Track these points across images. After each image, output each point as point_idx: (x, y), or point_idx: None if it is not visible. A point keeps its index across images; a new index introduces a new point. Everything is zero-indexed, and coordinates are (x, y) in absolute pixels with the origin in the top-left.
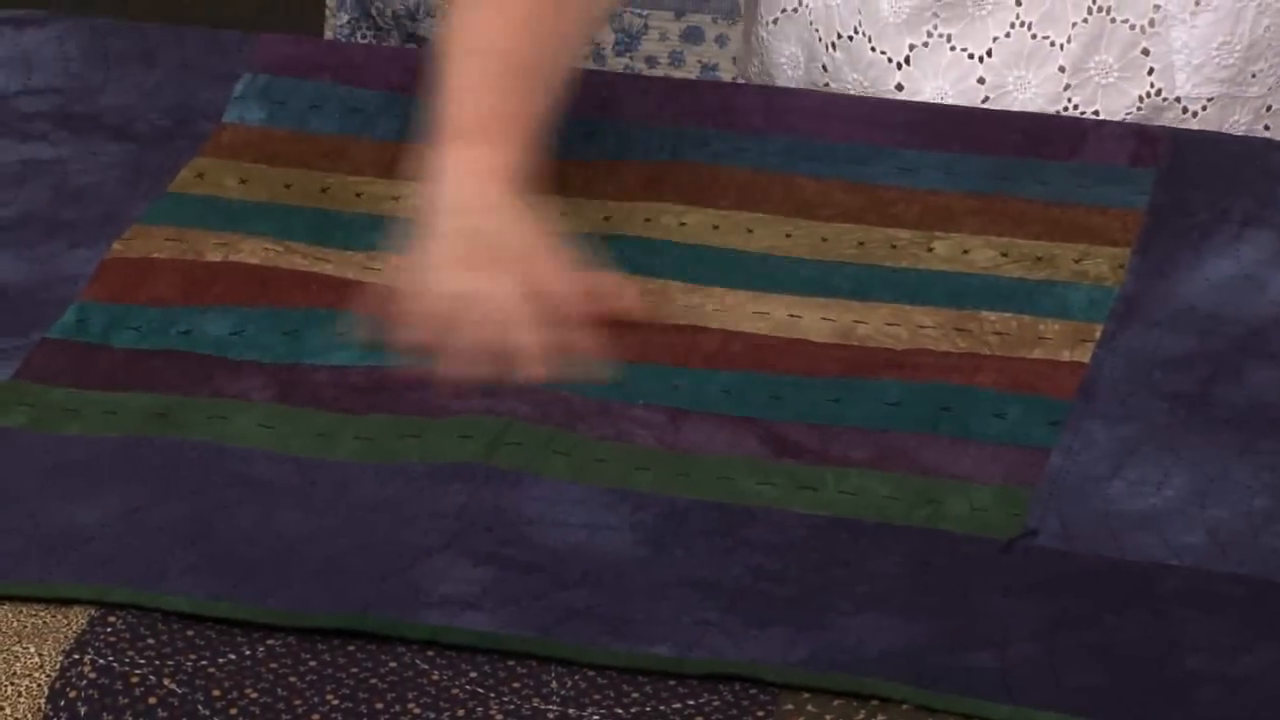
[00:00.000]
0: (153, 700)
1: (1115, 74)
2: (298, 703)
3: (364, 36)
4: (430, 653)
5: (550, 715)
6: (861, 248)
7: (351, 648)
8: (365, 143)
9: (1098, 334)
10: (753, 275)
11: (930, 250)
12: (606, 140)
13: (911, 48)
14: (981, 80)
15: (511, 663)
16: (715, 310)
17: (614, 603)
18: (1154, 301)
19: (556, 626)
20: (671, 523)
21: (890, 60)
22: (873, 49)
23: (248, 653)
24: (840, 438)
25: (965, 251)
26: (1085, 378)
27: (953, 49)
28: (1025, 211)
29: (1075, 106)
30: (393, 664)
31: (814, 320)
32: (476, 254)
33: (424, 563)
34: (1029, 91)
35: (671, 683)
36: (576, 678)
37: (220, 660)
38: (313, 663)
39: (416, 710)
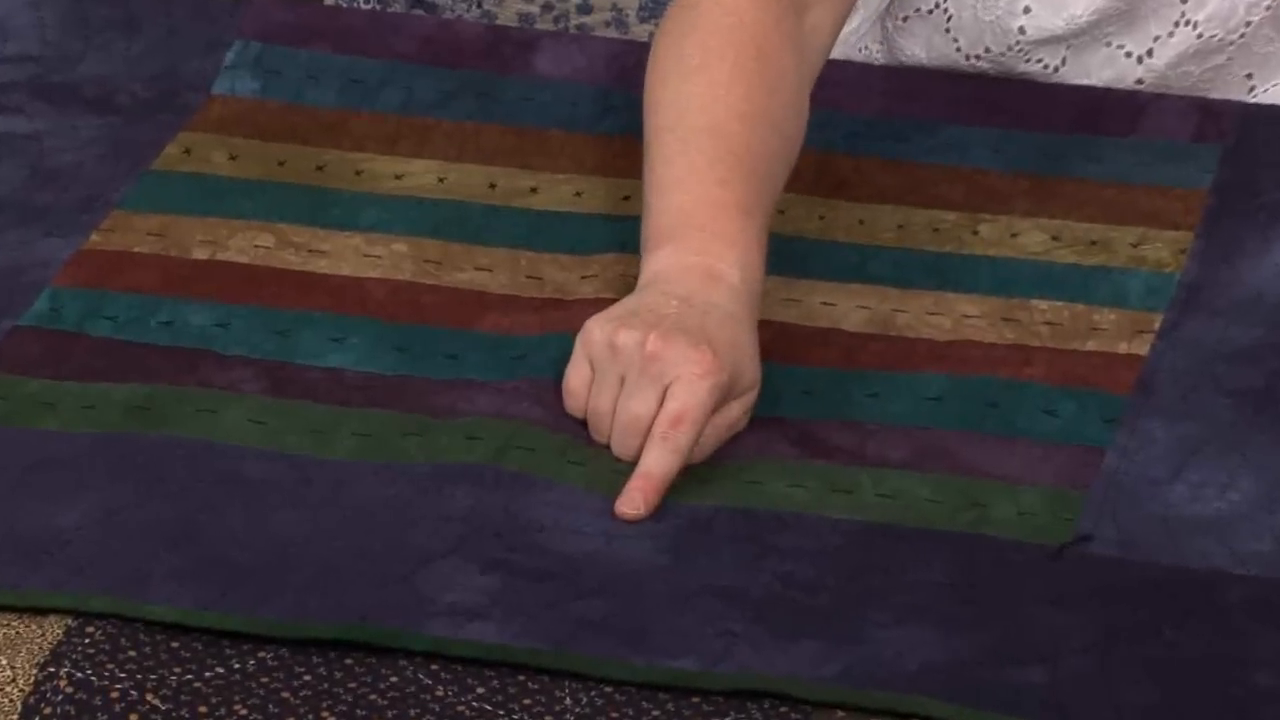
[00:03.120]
0: (134, 717)
1: None
2: None
3: (366, 1)
4: (434, 666)
5: None
6: (901, 231)
7: (349, 661)
8: (366, 116)
9: (1157, 324)
10: (783, 260)
11: (976, 233)
12: (625, 115)
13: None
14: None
15: (522, 678)
16: None
17: (633, 613)
18: (1218, 289)
19: (571, 638)
20: (695, 530)
21: (1046, 66)
22: (1026, 60)
23: (237, 666)
24: (877, 436)
25: (1014, 235)
26: (1143, 371)
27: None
28: (1079, 192)
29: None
30: (394, 678)
31: (849, 308)
32: (652, 317)
33: (428, 569)
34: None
35: (695, 699)
36: (593, 694)
37: (207, 674)
38: (307, 677)
39: None
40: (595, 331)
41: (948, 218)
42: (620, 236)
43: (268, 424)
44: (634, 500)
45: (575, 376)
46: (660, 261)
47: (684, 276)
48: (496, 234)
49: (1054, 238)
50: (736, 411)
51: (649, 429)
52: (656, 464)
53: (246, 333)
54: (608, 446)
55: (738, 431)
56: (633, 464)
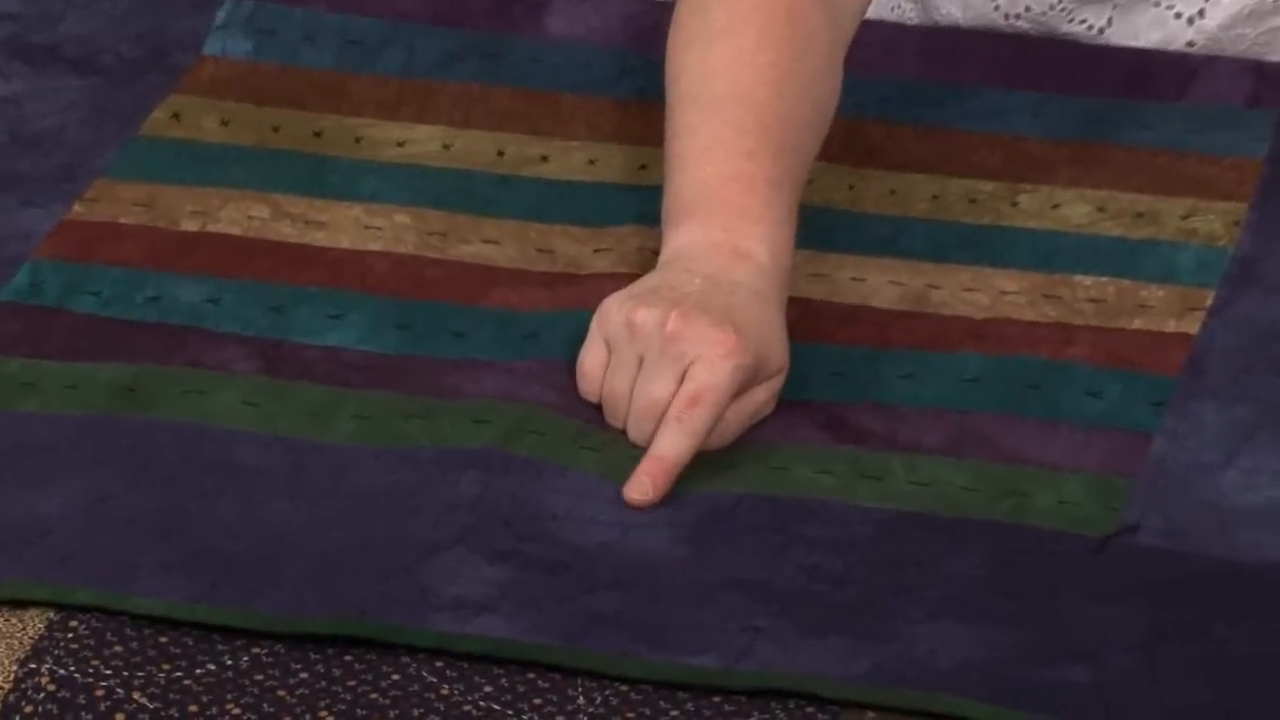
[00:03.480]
0: (120, 716)
1: None
2: None
3: None
4: (439, 663)
5: None
6: (936, 201)
7: (348, 657)
8: (366, 79)
9: (1208, 301)
10: (810, 232)
11: (1015, 204)
12: (642, 78)
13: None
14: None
15: (532, 675)
16: None
17: (650, 608)
18: (1273, 263)
19: (584, 634)
20: (716, 519)
21: (1091, 27)
22: (1069, 20)
23: (229, 663)
24: (910, 420)
25: (1056, 206)
26: (1193, 351)
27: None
28: (1126, 160)
29: None
30: (396, 676)
31: (880, 284)
32: (673, 295)
33: (432, 560)
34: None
35: (715, 699)
36: (607, 693)
37: (198, 671)
38: (304, 674)
39: None
40: (612, 310)
41: (985, 188)
42: (637, 207)
43: (261, 406)
44: (642, 485)
45: (590, 358)
46: (683, 238)
47: (708, 254)
48: (505, 205)
49: (1099, 209)
50: (762, 396)
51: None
52: (669, 447)
53: (239, 309)
54: (624, 432)
55: (764, 417)
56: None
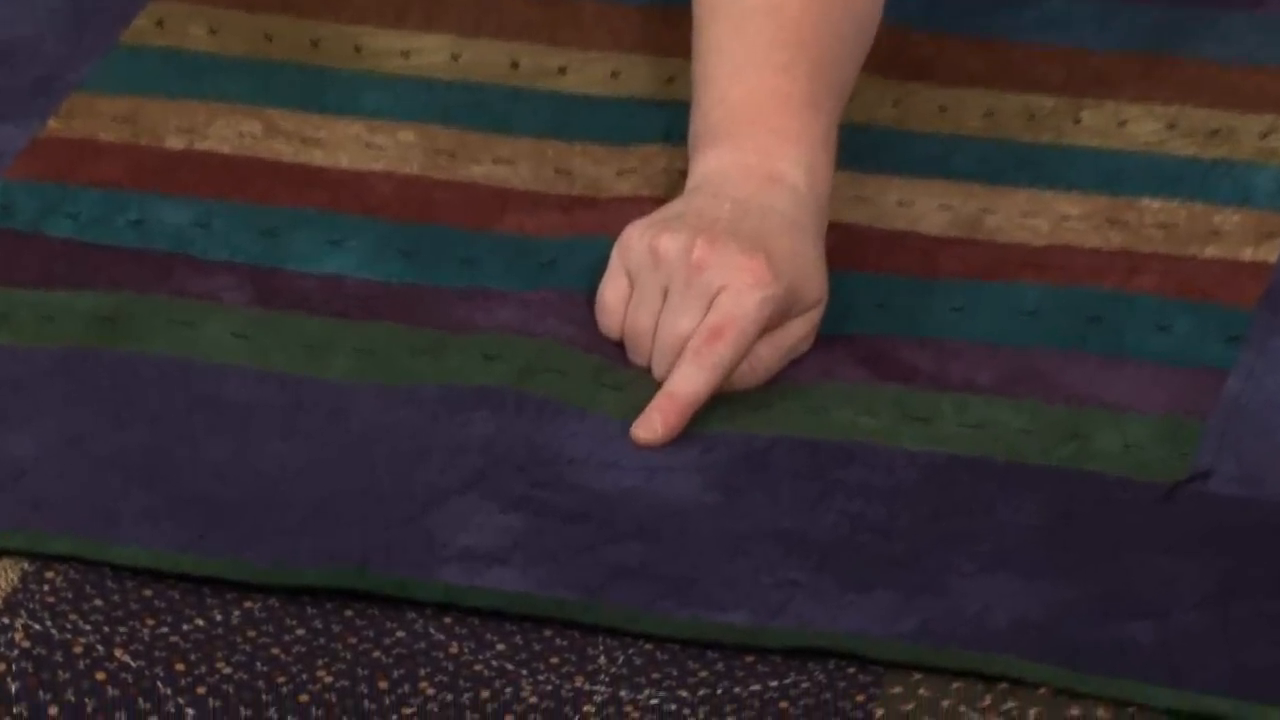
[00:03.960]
0: (100, 675)
1: None
2: (281, 680)
3: None
4: (447, 619)
5: (597, 698)
6: (990, 119)
7: (349, 613)
8: None
9: None
10: (852, 152)
11: (1078, 122)
12: None
13: None
14: None
15: (549, 633)
16: None
17: (677, 559)
18: None
19: (605, 588)
20: (750, 463)
21: None
22: None
23: (219, 618)
24: (962, 356)
25: (1122, 123)
26: (1271, 282)
27: None
28: (1198, 74)
29: None
30: (400, 633)
31: (929, 208)
32: (700, 221)
33: (440, 507)
34: None
35: (748, 659)
36: (630, 651)
37: (185, 627)
38: (300, 631)
39: (430, 690)
40: (634, 238)
41: (1045, 104)
42: (663, 124)
43: (253, 339)
44: (651, 423)
45: (611, 290)
46: (712, 163)
47: (739, 178)
48: (519, 121)
49: (1168, 126)
50: (799, 330)
51: None
52: (685, 382)
53: (229, 234)
54: (648, 370)
55: (801, 353)
56: None
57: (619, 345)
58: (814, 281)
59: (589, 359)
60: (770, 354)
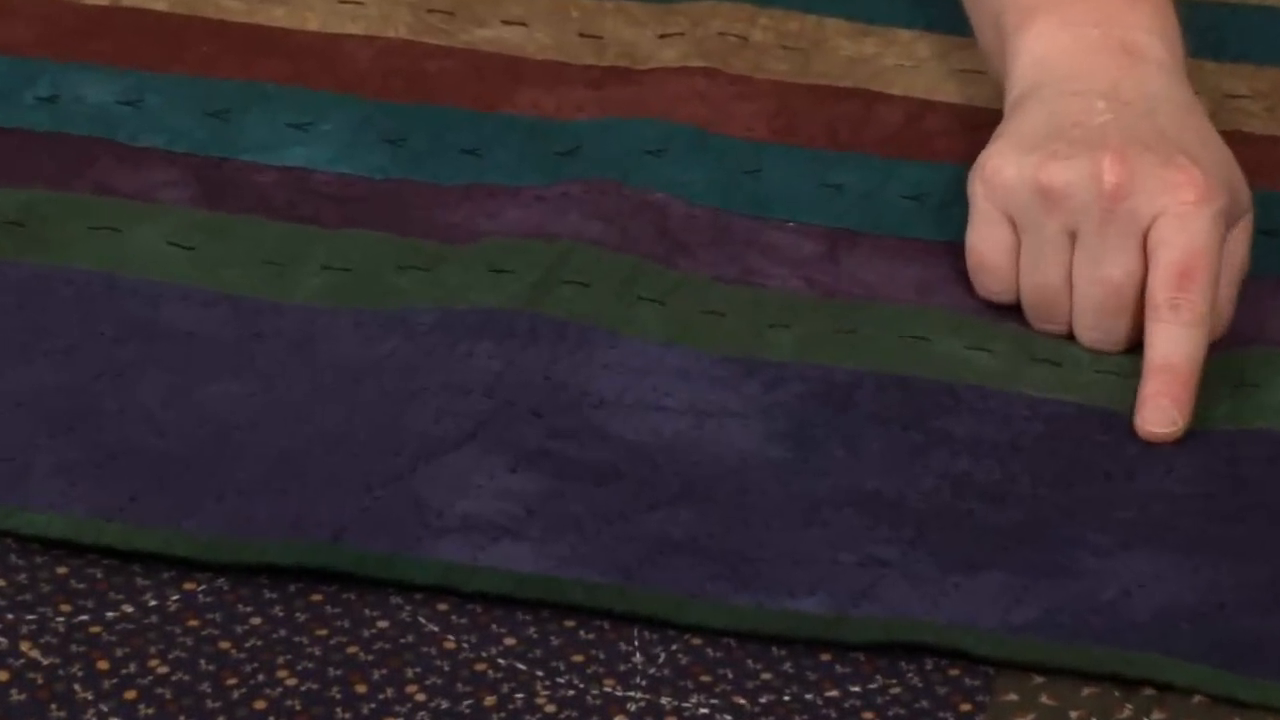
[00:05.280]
0: (2, 675)
1: None
2: (232, 682)
3: None
4: (442, 606)
5: (632, 706)
6: None
7: (317, 597)
8: None
9: None
10: (954, 14)
11: None
12: None
13: None
14: None
15: (571, 624)
16: (896, 66)
17: (734, 531)
18: None
19: (643, 567)
20: (827, 408)
21: None
22: None
23: (153, 604)
24: None
25: None
26: None
27: None
28: None
29: None
30: (383, 623)
31: None
32: (1083, 134)
33: (433, 464)
34: None
35: (824, 657)
36: (673, 648)
37: (109, 615)
38: (256, 620)
39: (420, 696)
40: (1008, 174)
41: None
42: None
43: (198, 250)
44: (1164, 412)
45: (990, 242)
46: (1039, 45)
47: (1091, 62)
48: None
49: None
50: (1242, 247)
51: (1139, 299)
52: (1177, 348)
53: (166, 114)
54: (701, 274)
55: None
56: (736, 293)
57: (658, 238)
58: (1238, 176)
59: (621, 261)
60: (1226, 287)
